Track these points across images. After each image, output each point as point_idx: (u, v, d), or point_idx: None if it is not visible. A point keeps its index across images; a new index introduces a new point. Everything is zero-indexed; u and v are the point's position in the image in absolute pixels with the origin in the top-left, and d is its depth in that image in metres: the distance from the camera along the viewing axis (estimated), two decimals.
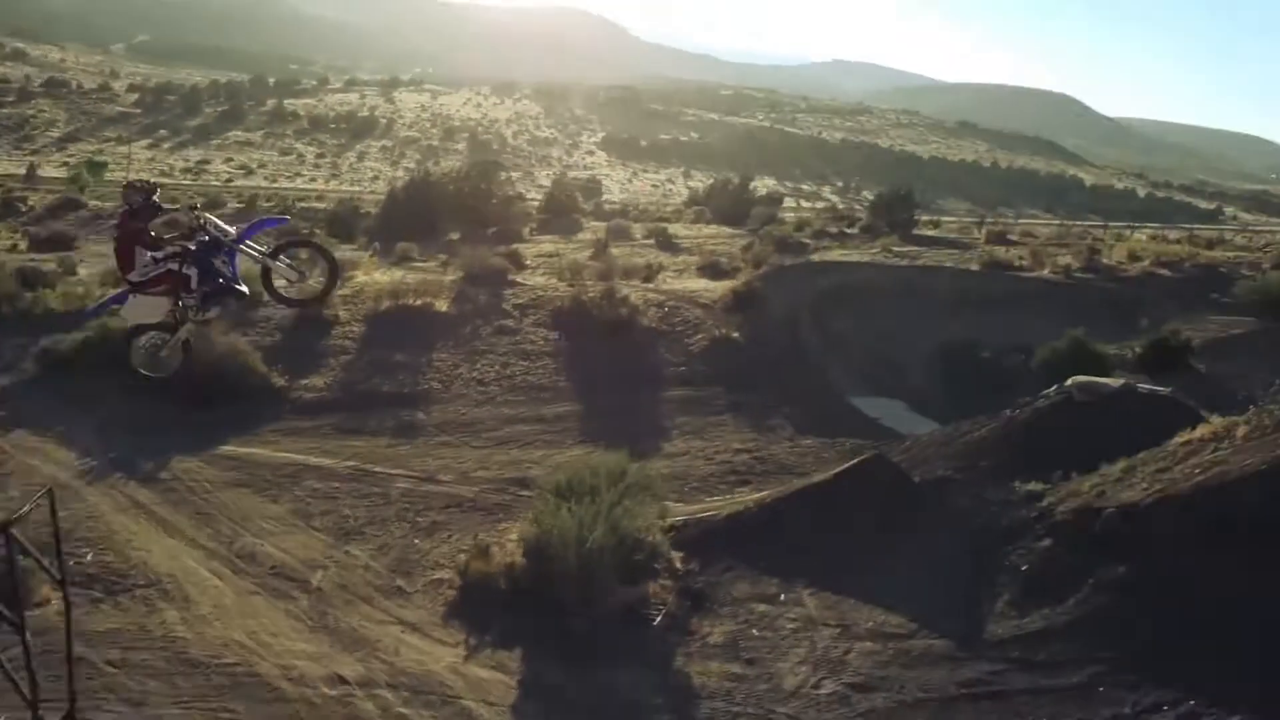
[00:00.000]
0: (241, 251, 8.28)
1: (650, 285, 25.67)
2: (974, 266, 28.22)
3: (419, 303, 22.61)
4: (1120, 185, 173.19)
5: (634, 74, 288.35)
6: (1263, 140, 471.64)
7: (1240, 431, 11.32)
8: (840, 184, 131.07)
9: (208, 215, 8.47)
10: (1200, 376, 20.52)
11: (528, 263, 28.08)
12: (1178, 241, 49.06)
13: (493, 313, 22.90)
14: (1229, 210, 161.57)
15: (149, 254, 8.15)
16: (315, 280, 8.58)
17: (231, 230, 8.36)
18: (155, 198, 8.34)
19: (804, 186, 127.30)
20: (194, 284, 8.22)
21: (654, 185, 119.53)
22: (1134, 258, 29.22)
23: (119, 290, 8.79)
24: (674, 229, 37.89)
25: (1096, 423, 13.64)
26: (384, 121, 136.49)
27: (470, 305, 23.01)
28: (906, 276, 26.66)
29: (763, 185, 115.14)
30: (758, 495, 14.22)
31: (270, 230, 9.67)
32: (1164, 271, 27.85)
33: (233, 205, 44.85)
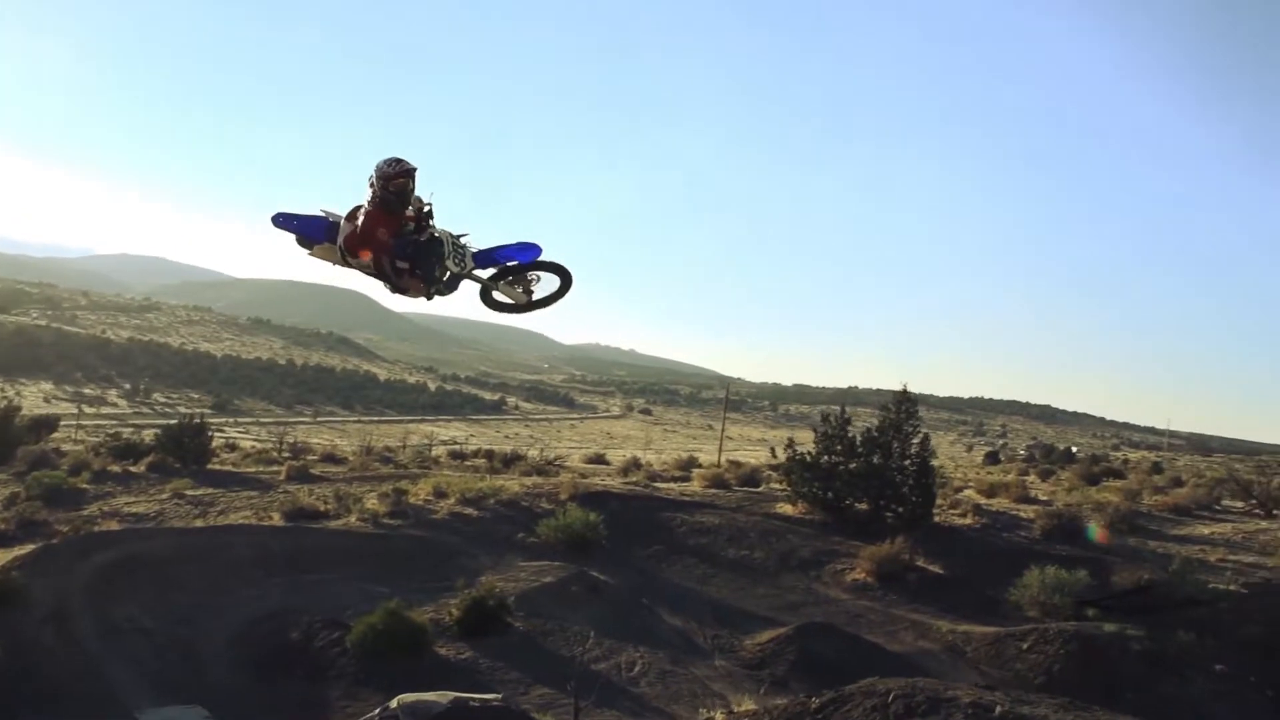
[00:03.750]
0: (468, 279, 8.05)
1: None
2: (276, 517, 26.05)
3: None
4: (413, 379, 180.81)
5: None
6: (537, 335, 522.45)
7: None
8: (128, 386, 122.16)
9: (449, 241, 7.88)
10: (520, 636, 19.92)
11: None
12: (476, 454, 50.66)
13: None
14: (511, 400, 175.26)
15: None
16: (539, 290, 8.27)
17: (468, 259, 7.99)
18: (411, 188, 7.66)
19: (87, 391, 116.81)
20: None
21: None
22: (439, 494, 28.80)
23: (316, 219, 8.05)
24: None
25: None
26: None
27: None
28: (202, 540, 23.71)
29: (38, 393, 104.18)
30: None
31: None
32: (470, 510, 27.60)
33: None
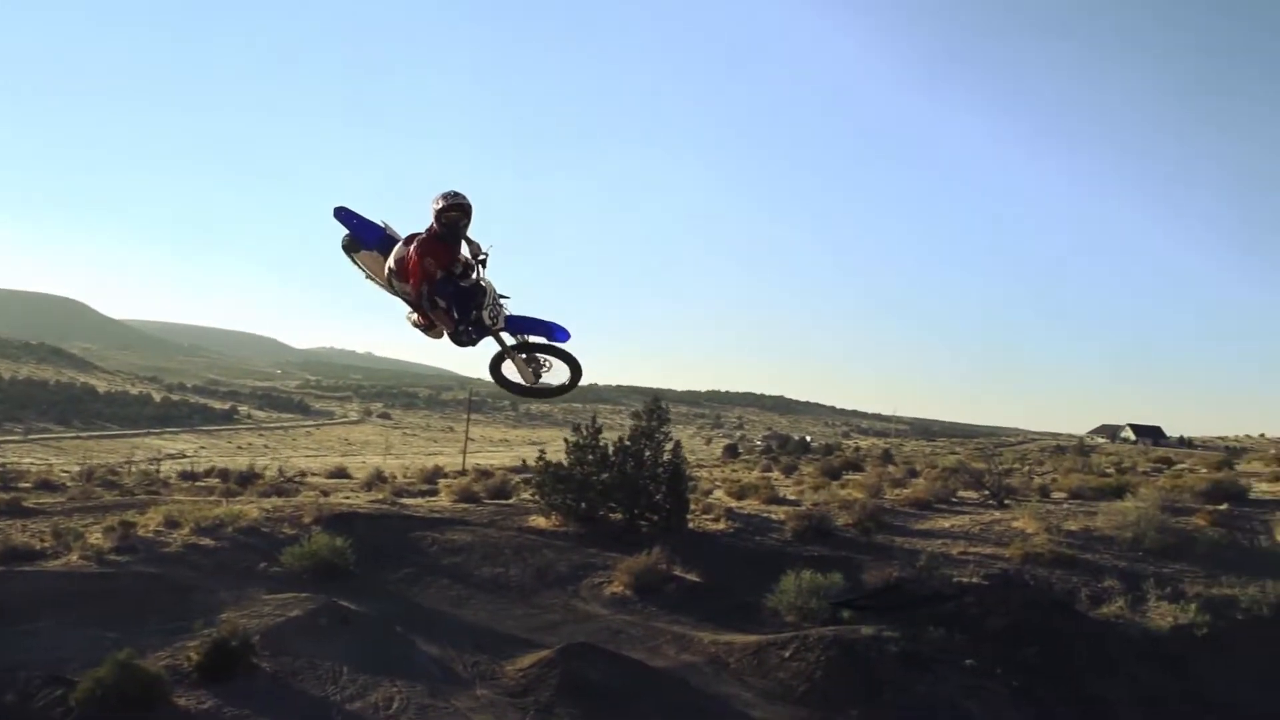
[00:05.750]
0: (494, 337, 8.21)
1: None
2: None
3: None
4: (136, 390, 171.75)
5: None
6: (268, 339, 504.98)
7: None
8: None
9: (491, 294, 8.06)
10: (267, 678, 18.73)
11: None
12: (209, 474, 48.04)
13: None
14: (244, 409, 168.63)
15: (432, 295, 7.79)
16: (547, 377, 8.52)
17: (502, 318, 8.14)
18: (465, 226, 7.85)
19: None
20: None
21: None
22: (172, 524, 26.93)
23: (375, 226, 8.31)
24: None
25: None
26: None
27: None
28: None
29: None
30: None
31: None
32: (207, 540, 25.90)
33: None
